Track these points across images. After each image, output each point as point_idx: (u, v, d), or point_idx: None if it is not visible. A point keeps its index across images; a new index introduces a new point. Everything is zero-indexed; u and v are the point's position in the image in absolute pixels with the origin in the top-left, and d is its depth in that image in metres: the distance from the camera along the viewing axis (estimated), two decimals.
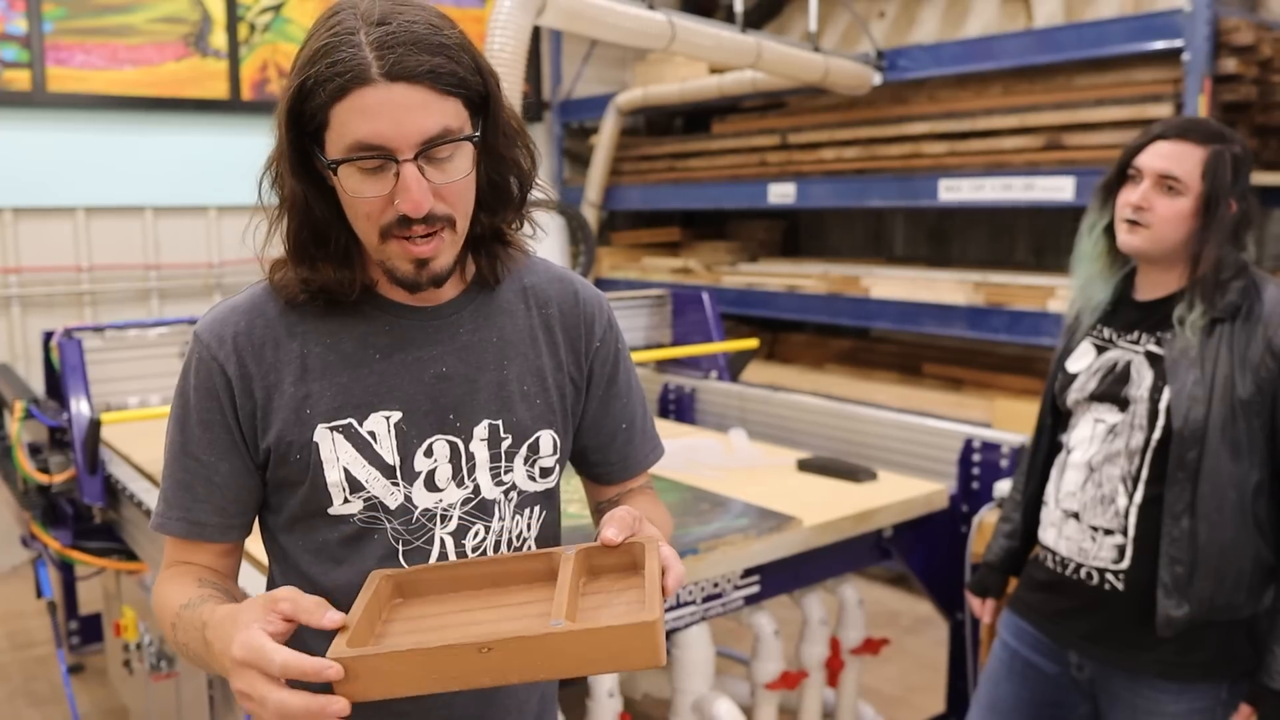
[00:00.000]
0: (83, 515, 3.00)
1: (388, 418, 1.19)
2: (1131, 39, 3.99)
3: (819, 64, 4.60)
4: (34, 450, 3.06)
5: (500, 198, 1.20)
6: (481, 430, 1.22)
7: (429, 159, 1.08)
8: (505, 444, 1.23)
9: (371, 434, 1.18)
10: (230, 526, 1.23)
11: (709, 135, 6.05)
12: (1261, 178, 4.06)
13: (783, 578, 2.58)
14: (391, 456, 1.19)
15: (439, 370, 1.21)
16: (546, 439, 1.27)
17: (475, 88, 1.11)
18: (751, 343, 4.19)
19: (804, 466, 3.01)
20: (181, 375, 1.22)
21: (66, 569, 3.74)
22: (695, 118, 6.68)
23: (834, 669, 2.93)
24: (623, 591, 1.09)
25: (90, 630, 3.95)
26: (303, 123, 1.10)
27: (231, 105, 5.53)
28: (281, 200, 1.15)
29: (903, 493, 2.81)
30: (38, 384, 3.88)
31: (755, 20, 6.08)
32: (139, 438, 3.25)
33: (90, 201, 5.22)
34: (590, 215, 6.26)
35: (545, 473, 1.28)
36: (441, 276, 1.15)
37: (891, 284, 4.86)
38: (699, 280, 5.74)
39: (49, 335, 3.42)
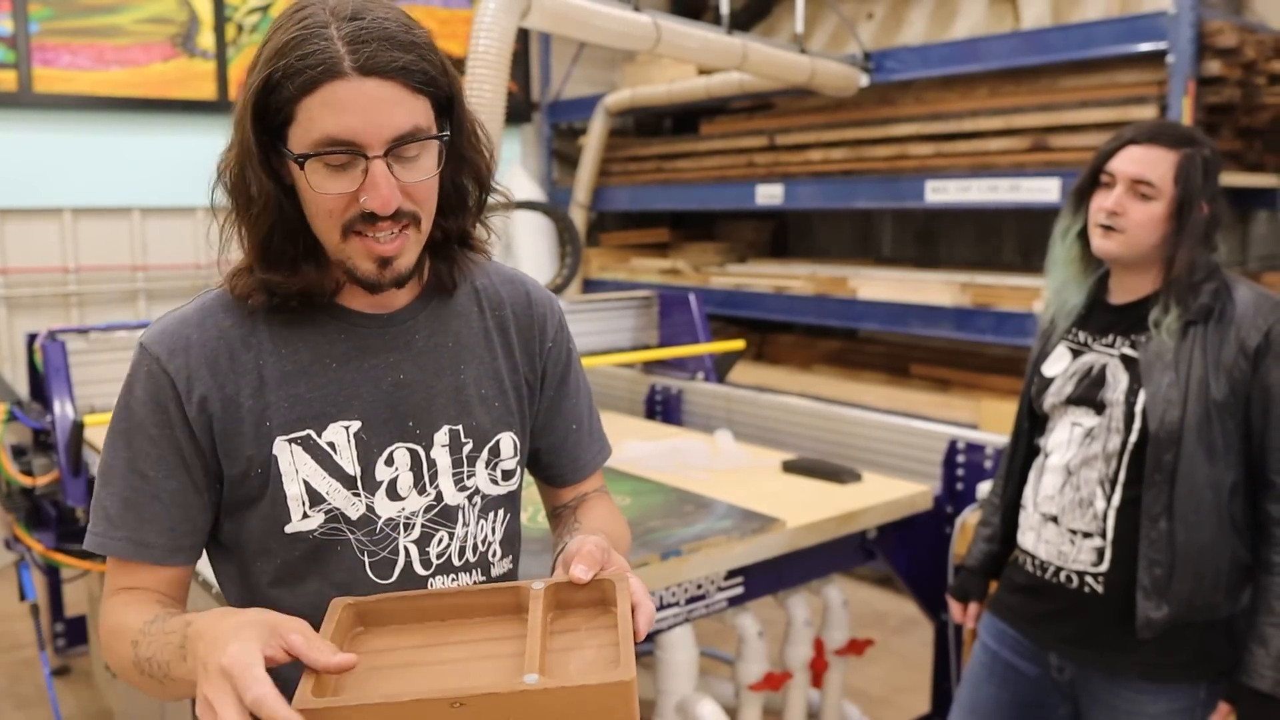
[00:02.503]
0: (66, 517, 3.00)
1: (347, 427, 1.17)
2: (1117, 41, 4.01)
3: (805, 65, 4.61)
4: (17, 452, 3.06)
5: (461, 200, 1.20)
6: (442, 436, 1.21)
7: (397, 157, 1.07)
8: (466, 449, 1.22)
9: (331, 444, 1.16)
10: (178, 549, 1.16)
11: (697, 136, 6.06)
12: (1245, 179, 4.09)
13: (767, 579, 2.59)
14: (352, 467, 1.16)
15: (396, 377, 1.19)
16: (507, 441, 1.26)
17: (444, 88, 1.10)
18: (738, 344, 4.20)
19: (789, 468, 3.02)
20: (125, 388, 1.16)
21: (52, 571, 3.74)
22: (683, 119, 6.69)
23: (818, 670, 2.93)
24: (594, 632, 1.06)
25: (76, 632, 3.95)
26: (266, 118, 1.07)
27: (219, 106, 5.53)
28: (250, 201, 1.11)
29: (887, 494, 2.81)
30: (24, 386, 3.87)
31: (744, 22, 6.09)
32: None
33: (77, 202, 5.22)
34: (578, 216, 6.26)
35: (507, 475, 1.27)
36: (404, 276, 1.13)
37: (879, 285, 4.87)
38: (687, 281, 5.75)
39: (32, 337, 3.41)
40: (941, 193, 4.50)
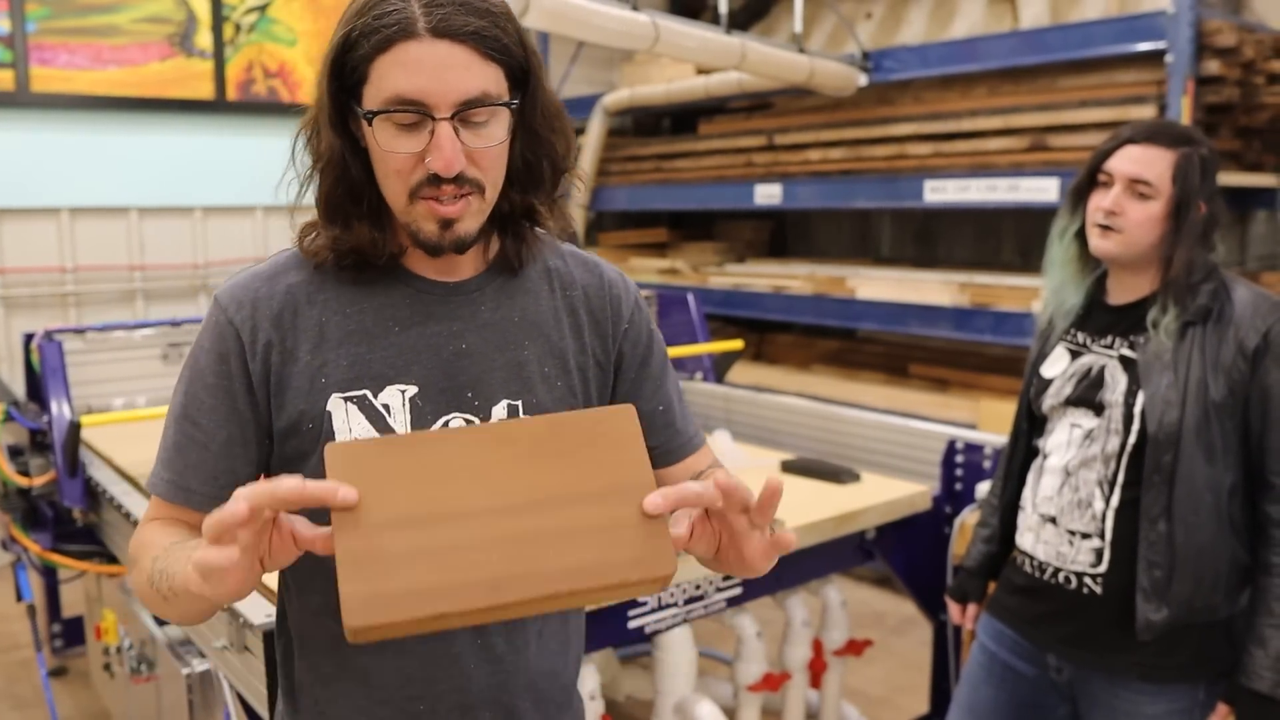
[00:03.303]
0: (63, 518, 3.00)
1: (403, 391, 1.17)
2: (1116, 40, 4.00)
3: (804, 65, 4.60)
4: (14, 453, 3.06)
5: (532, 177, 1.19)
6: (500, 410, 1.20)
7: (465, 121, 1.08)
8: None
9: (385, 407, 1.16)
10: (218, 498, 1.12)
11: (696, 136, 6.05)
12: (1244, 179, 4.08)
13: (765, 579, 2.58)
14: (404, 431, 1.16)
15: (458, 346, 1.19)
16: None
17: (518, 58, 1.11)
18: (736, 344, 4.19)
19: (787, 468, 3.01)
20: (197, 339, 1.20)
21: (49, 572, 3.73)
22: (682, 118, 6.68)
23: (817, 670, 2.93)
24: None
25: (73, 633, 3.94)
26: (343, 76, 1.10)
27: (217, 106, 5.52)
28: (318, 156, 1.15)
29: (886, 494, 2.81)
30: (21, 386, 3.87)
31: (743, 22, 6.08)
32: (121, 440, 3.24)
33: (74, 202, 5.21)
34: (577, 216, 6.25)
35: None
36: (465, 241, 1.14)
37: (878, 285, 4.87)
38: (686, 281, 5.74)
39: (29, 337, 3.41)
40: (940, 192, 4.49)
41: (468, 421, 1.18)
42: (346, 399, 1.16)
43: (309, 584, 1.21)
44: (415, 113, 1.06)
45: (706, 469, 1.32)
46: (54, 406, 2.99)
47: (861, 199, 4.92)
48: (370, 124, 1.08)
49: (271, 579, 1.26)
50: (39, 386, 3.23)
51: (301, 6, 5.74)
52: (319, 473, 1.08)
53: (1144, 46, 3.90)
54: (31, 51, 5.02)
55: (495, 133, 1.10)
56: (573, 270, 1.30)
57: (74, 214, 5.23)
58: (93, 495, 2.94)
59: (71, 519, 2.98)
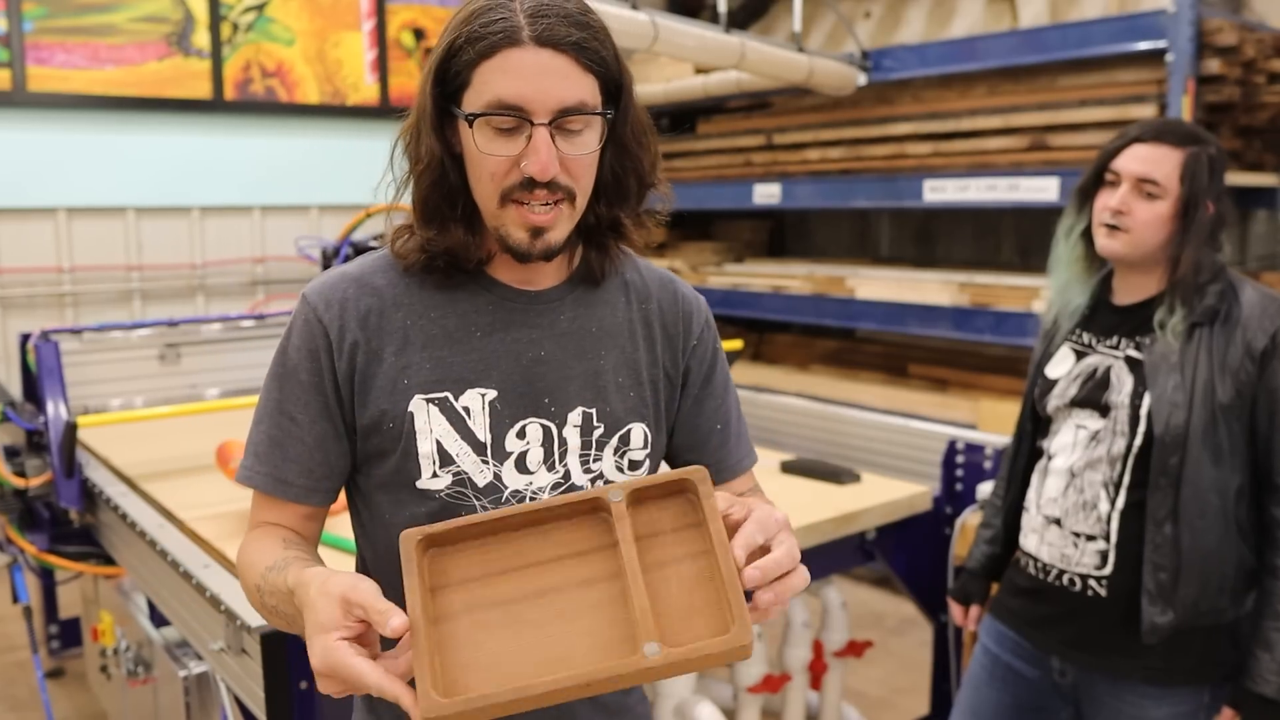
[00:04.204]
0: (59, 519, 2.98)
1: (483, 395, 1.20)
2: (1116, 39, 3.99)
3: (803, 64, 4.59)
4: (10, 453, 3.04)
5: (620, 191, 1.22)
6: (575, 417, 1.23)
7: (561, 128, 1.11)
8: (597, 433, 1.24)
9: (466, 409, 1.20)
10: (315, 489, 1.23)
11: (694, 135, 6.03)
12: (1244, 178, 4.07)
13: None
14: (484, 434, 1.20)
15: (537, 354, 1.22)
16: (638, 432, 1.27)
17: (614, 72, 1.15)
18: (735, 344, 4.18)
19: (787, 469, 3.00)
20: (284, 335, 1.23)
21: (45, 574, 3.72)
22: (680, 118, 6.65)
23: (817, 671, 2.92)
24: (681, 534, 1.01)
25: (70, 634, 3.92)
26: (446, 81, 1.14)
27: (214, 105, 5.50)
28: (417, 159, 1.18)
29: (886, 495, 2.80)
30: (17, 387, 3.85)
31: (741, 21, 6.07)
32: (118, 441, 3.22)
33: (71, 202, 5.19)
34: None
35: (634, 465, 1.27)
36: (553, 250, 1.17)
37: (877, 284, 4.85)
38: (685, 280, 5.72)
39: (26, 337, 3.39)
40: (940, 192, 4.48)
41: (544, 428, 1.21)
42: (429, 400, 1.19)
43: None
44: (514, 117, 1.10)
45: (747, 491, 1.37)
46: (50, 407, 2.98)
47: (860, 198, 4.90)
48: (471, 125, 1.12)
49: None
50: (35, 387, 3.21)
51: (299, 6, 5.72)
52: (400, 470, 1.20)
53: (1144, 45, 3.89)
54: (28, 51, 5.00)
55: (589, 141, 1.14)
56: (649, 284, 1.33)
57: (71, 214, 5.21)
58: (89, 496, 2.92)
59: (68, 520, 2.97)
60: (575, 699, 0.93)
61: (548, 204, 1.13)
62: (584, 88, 1.12)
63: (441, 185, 1.18)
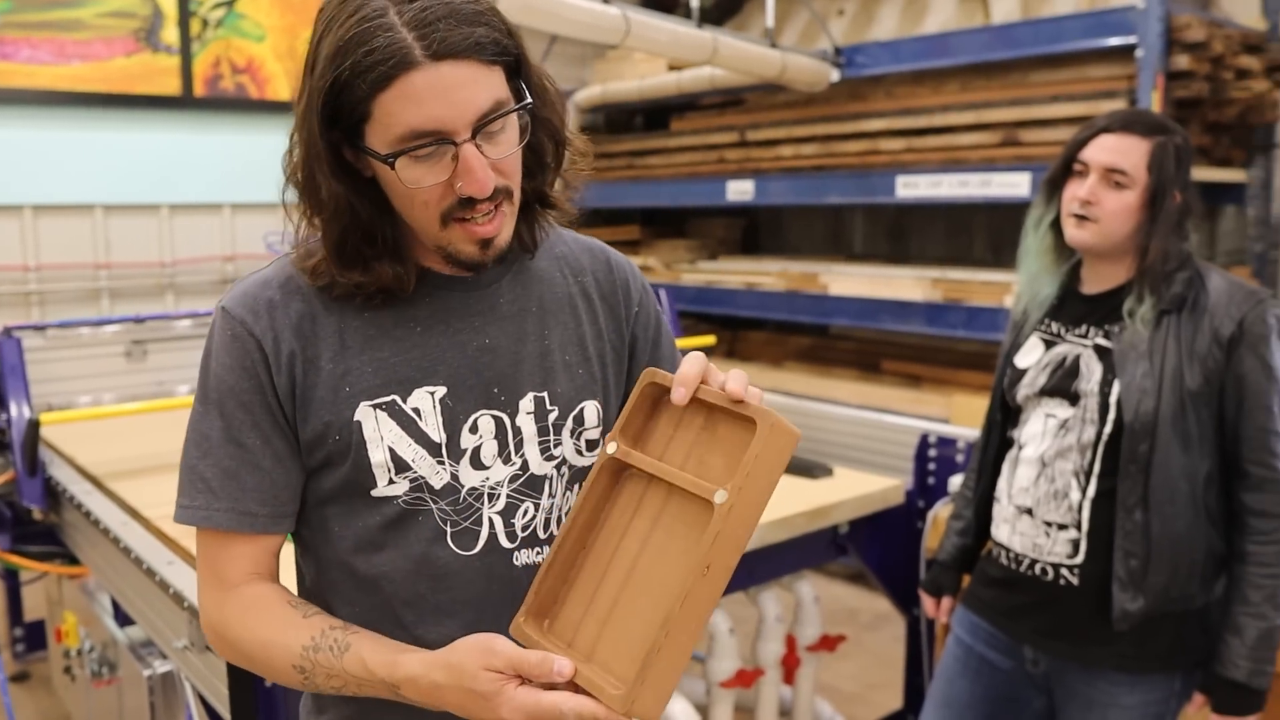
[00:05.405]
0: (22, 519, 2.94)
1: (432, 393, 1.14)
2: (1086, 35, 4.01)
3: (776, 60, 4.59)
4: None
5: (539, 160, 1.17)
6: (527, 403, 1.18)
7: (484, 135, 1.04)
8: (552, 416, 1.19)
9: (416, 410, 1.13)
10: (281, 516, 1.14)
11: (668, 133, 6.03)
12: (1213, 174, 4.10)
13: (738, 575, 2.52)
14: (437, 434, 1.13)
15: (482, 342, 1.17)
16: (591, 410, 1.22)
17: (513, 51, 1.07)
18: (707, 339, 4.17)
19: None
20: (208, 356, 1.13)
21: (9, 575, 3.66)
22: (654, 115, 6.65)
23: (790, 666, 2.91)
24: (706, 429, 1.07)
25: (36, 637, 3.87)
26: (338, 118, 1.04)
27: (183, 102, 5.44)
28: (320, 205, 1.08)
29: (859, 489, 2.80)
30: None
31: (716, 18, 6.06)
32: (83, 439, 3.18)
33: (38, 199, 5.12)
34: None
35: (591, 445, 1.23)
36: (503, 252, 1.12)
37: (850, 281, 4.86)
38: (659, 278, 5.71)
39: None
40: (912, 188, 4.49)
41: (495, 420, 1.16)
42: (375, 406, 1.12)
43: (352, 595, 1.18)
44: (436, 143, 1.02)
45: None
46: (13, 405, 2.94)
47: (834, 195, 4.91)
48: (392, 167, 1.03)
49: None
50: None
51: (270, 2, 5.67)
52: (350, 482, 1.14)
53: (1114, 41, 3.91)
54: None
55: (512, 137, 1.08)
56: (579, 256, 1.29)
57: (37, 211, 5.14)
58: (53, 495, 2.88)
59: (32, 519, 2.92)
60: (709, 598, 0.98)
61: (490, 212, 1.08)
62: (495, 85, 1.04)
63: (355, 227, 1.09)
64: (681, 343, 4.17)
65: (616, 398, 1.28)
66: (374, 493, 1.13)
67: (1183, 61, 3.81)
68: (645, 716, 0.96)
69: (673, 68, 5.53)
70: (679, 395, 1.04)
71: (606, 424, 1.25)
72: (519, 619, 1.07)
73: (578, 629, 1.05)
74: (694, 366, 1.05)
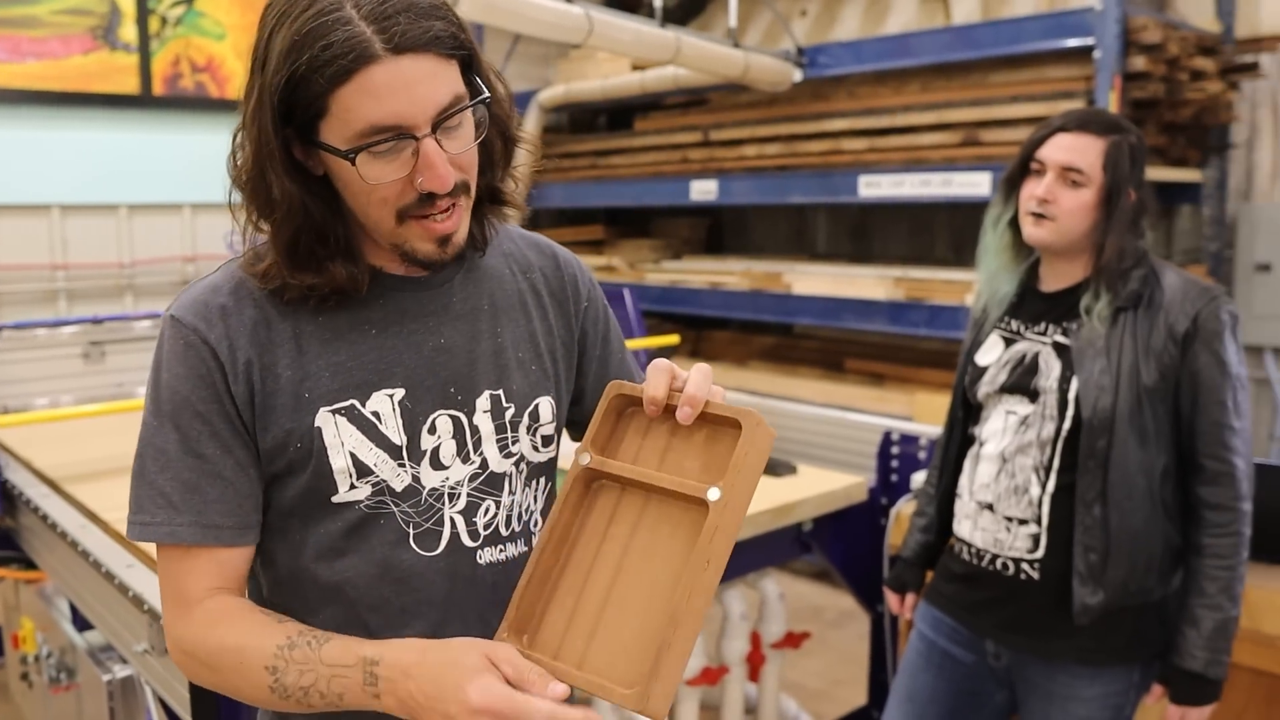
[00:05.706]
0: None
1: (391, 395, 1.13)
2: (1045, 36, 4.05)
3: (739, 60, 4.60)
4: None
5: (489, 157, 1.15)
6: (484, 402, 1.18)
7: (443, 130, 1.04)
8: (509, 414, 1.19)
9: (376, 414, 1.12)
10: (247, 527, 1.11)
11: (632, 132, 6.02)
12: (1169, 174, 4.15)
13: None
14: (398, 436, 1.12)
15: (437, 342, 1.16)
16: (545, 406, 1.23)
17: (467, 46, 1.06)
18: (671, 339, 4.18)
19: None
20: (159, 368, 1.10)
21: None
22: (618, 115, 6.65)
23: (755, 664, 2.92)
24: (675, 434, 1.09)
25: None
26: (292, 114, 1.02)
27: (142, 100, 5.38)
28: (272, 206, 1.06)
29: (822, 486, 2.81)
30: None
31: (679, 18, 6.07)
32: (39, 442, 3.14)
33: None
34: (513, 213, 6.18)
35: (546, 441, 1.24)
36: (461, 248, 1.12)
37: (813, 280, 4.88)
38: (623, 278, 5.71)
39: None
40: (875, 187, 4.52)
41: (453, 419, 1.16)
42: (334, 411, 1.10)
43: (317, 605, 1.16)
44: (396, 138, 1.01)
45: None
46: None
47: (797, 194, 4.93)
48: (353, 162, 1.02)
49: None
50: None
51: (230, 0, 5.62)
52: (312, 489, 1.12)
53: (1073, 42, 3.96)
54: None
55: (469, 132, 1.07)
56: (526, 253, 1.29)
57: None
58: (9, 499, 2.84)
59: None
60: (708, 593, 0.98)
61: (448, 209, 1.07)
62: (453, 79, 1.03)
63: (308, 228, 1.07)
64: (645, 342, 4.19)
65: (568, 393, 1.29)
66: (335, 499, 1.12)
67: (1139, 63, 3.85)
68: (656, 713, 0.96)
69: (636, 67, 5.53)
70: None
71: (559, 419, 1.26)
72: (500, 635, 1.06)
73: (563, 639, 1.05)
74: (662, 376, 1.08)
